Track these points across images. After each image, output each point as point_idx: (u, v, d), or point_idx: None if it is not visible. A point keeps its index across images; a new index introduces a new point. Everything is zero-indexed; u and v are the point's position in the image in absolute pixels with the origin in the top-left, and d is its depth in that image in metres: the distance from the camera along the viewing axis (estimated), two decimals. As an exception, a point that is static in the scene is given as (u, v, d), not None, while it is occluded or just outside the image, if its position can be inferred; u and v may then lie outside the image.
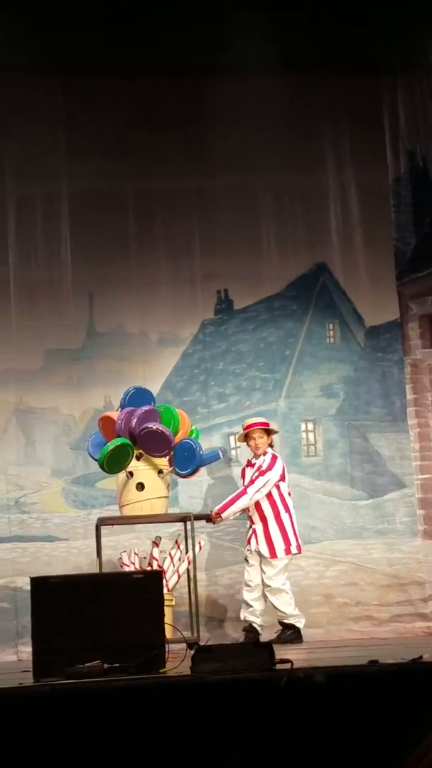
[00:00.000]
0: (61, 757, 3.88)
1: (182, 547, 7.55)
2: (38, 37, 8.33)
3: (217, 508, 7.61)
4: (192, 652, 4.51)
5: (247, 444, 7.80)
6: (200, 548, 7.64)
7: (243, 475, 7.80)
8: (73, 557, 8.28)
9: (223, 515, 7.58)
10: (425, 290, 8.98)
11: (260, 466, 7.66)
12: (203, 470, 7.95)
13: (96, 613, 4.75)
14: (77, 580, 5.53)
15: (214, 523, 7.71)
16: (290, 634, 7.50)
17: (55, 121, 8.73)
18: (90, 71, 8.62)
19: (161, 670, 4.65)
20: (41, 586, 4.88)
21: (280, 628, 7.57)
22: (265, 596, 7.55)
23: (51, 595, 4.81)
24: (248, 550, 7.65)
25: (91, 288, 8.74)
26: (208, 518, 7.66)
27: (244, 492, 7.61)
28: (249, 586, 7.59)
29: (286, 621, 7.54)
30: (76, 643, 4.62)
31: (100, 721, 3.97)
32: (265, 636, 7.46)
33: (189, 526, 7.46)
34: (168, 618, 6.81)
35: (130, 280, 8.77)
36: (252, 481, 7.62)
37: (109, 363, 8.71)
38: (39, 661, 4.66)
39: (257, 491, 7.58)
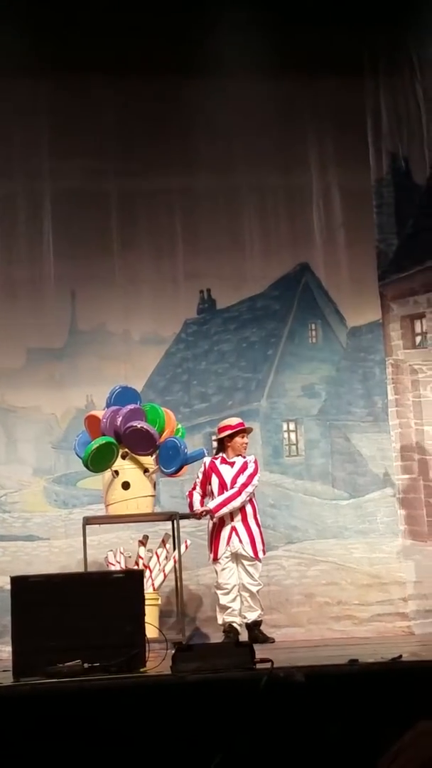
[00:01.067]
0: (41, 757, 3.87)
1: (168, 546, 7.53)
2: (22, 35, 8.30)
3: (212, 506, 7.46)
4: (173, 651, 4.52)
5: (230, 444, 7.70)
6: (186, 547, 7.61)
7: (216, 473, 7.67)
8: (54, 557, 8.26)
9: (216, 515, 7.49)
10: (407, 291, 9.01)
11: (244, 467, 7.61)
12: (186, 469, 7.94)
13: (76, 613, 4.75)
14: (58, 579, 5.52)
15: (199, 518, 7.65)
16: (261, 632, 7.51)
17: (39, 120, 8.71)
18: (74, 70, 8.61)
19: (142, 670, 4.65)
20: (21, 585, 4.87)
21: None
22: (241, 596, 7.50)
23: (31, 595, 4.80)
24: (228, 550, 7.51)
25: (74, 286, 8.73)
26: (196, 515, 7.59)
27: (239, 493, 7.48)
28: (225, 589, 7.46)
29: (260, 619, 7.54)
30: (57, 642, 4.62)
31: (81, 721, 3.96)
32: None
33: (175, 525, 7.44)
34: (153, 617, 6.81)
35: (112, 278, 8.76)
36: (245, 484, 7.53)
37: (92, 362, 8.70)
38: (19, 661, 4.65)
39: (250, 493, 7.54)
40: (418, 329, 9.01)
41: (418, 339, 9.00)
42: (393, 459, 8.74)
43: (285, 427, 8.81)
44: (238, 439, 7.67)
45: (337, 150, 9.05)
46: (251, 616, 7.48)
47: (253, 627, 7.47)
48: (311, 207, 9.03)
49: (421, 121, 9.14)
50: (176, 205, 8.89)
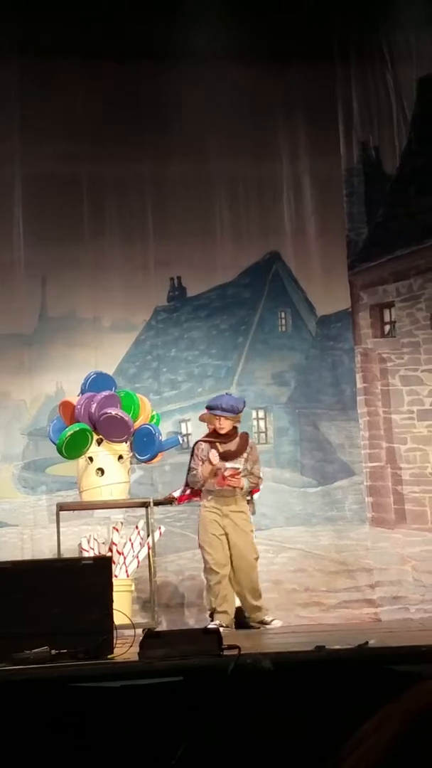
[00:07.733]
0: (7, 743, 3.88)
1: (142, 533, 7.53)
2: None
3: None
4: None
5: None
6: (160, 534, 7.61)
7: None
8: (22, 543, 8.25)
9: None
10: (376, 280, 9.04)
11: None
12: (160, 456, 7.92)
13: (44, 600, 4.75)
14: (25, 565, 5.52)
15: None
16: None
17: (10, 104, 8.66)
18: (47, 54, 8.57)
19: (109, 656, 4.67)
20: (-10, 571, 4.87)
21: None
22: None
23: (-1, 581, 4.80)
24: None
25: (44, 272, 8.70)
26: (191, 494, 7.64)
27: (257, 485, 7.63)
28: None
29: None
30: (24, 628, 4.62)
31: (48, 707, 3.97)
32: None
33: (149, 512, 7.44)
34: (127, 604, 6.82)
35: (83, 264, 8.73)
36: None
37: (61, 348, 8.68)
38: (-14, 647, 4.65)
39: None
40: (387, 318, 9.05)
41: (387, 328, 9.05)
42: (361, 447, 8.79)
43: (254, 414, 8.83)
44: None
45: (307, 139, 9.06)
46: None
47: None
48: (282, 196, 9.04)
49: (391, 111, 9.16)
50: (147, 192, 8.88)
